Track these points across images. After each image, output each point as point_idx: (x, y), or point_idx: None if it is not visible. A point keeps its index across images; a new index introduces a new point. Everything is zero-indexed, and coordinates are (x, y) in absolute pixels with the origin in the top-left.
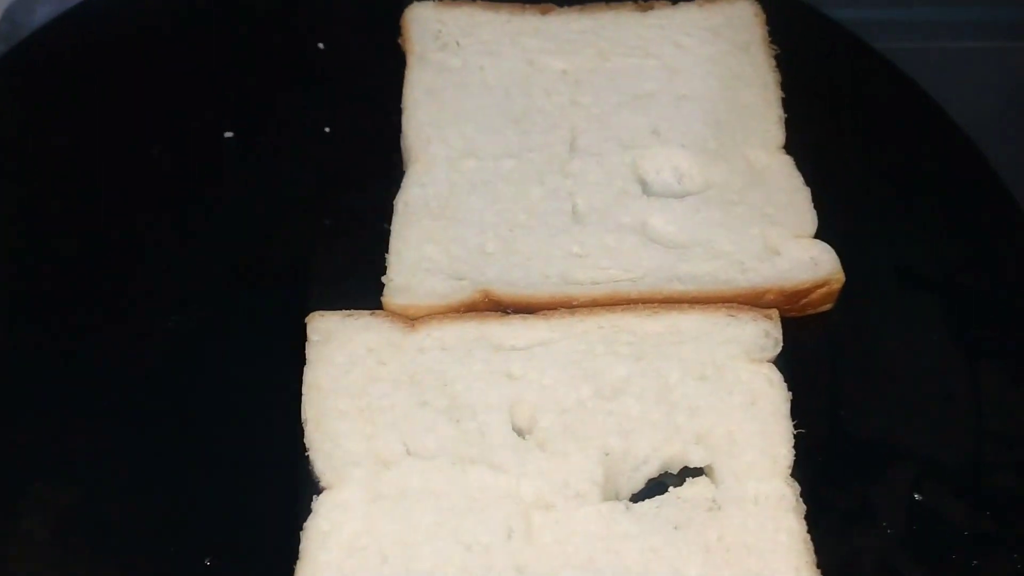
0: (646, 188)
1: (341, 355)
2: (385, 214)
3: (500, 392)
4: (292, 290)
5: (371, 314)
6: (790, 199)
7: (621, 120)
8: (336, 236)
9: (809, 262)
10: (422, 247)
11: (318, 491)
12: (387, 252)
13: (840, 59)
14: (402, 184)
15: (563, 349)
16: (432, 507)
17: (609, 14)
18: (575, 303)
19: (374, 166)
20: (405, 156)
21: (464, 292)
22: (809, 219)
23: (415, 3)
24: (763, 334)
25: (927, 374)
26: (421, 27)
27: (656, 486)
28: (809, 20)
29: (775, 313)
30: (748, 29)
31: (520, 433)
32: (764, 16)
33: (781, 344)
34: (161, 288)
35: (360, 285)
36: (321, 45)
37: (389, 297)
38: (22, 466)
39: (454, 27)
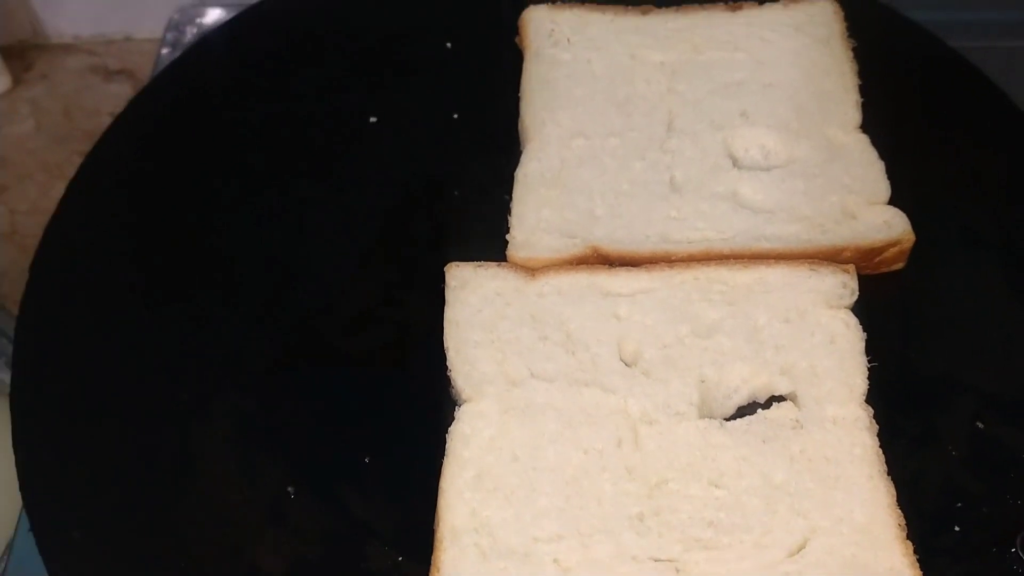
0: (736, 163)
1: (474, 297)
2: (505, 187)
3: (609, 330)
4: (433, 247)
5: (498, 265)
6: (866, 171)
7: (713, 105)
8: (466, 205)
9: (883, 224)
10: (539, 211)
11: (459, 404)
12: (509, 216)
13: (913, 51)
14: (520, 160)
15: (663, 296)
16: (553, 418)
17: (702, 13)
18: (673, 258)
19: (495, 146)
20: (522, 136)
21: (576, 248)
22: (883, 188)
23: (531, 6)
24: (841, 284)
25: (989, 321)
26: (536, 26)
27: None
28: (884, 18)
29: (852, 267)
30: (828, 25)
31: (627, 363)
32: (843, 13)
33: (857, 293)
34: (319, 247)
35: (487, 244)
36: (449, 44)
37: (513, 251)
38: (211, 379)
39: (565, 26)
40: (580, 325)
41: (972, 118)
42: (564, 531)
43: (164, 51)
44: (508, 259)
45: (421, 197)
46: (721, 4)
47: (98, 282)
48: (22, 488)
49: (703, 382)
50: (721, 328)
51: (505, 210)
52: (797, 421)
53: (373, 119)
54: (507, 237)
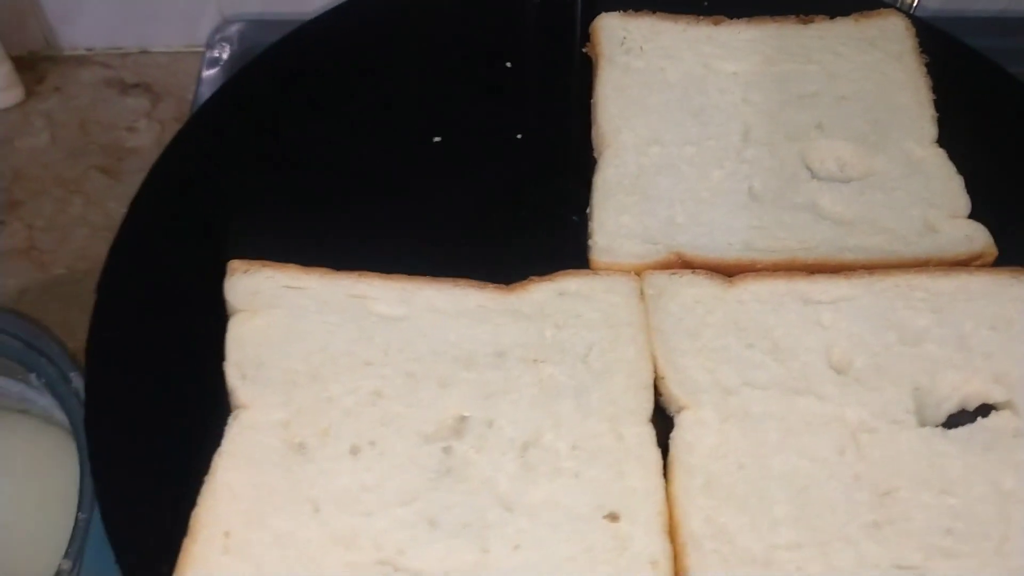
0: (813, 174)
1: (674, 305)
2: (571, 206)
3: (815, 338)
4: (499, 268)
5: (693, 272)
6: (945, 186)
7: (788, 116)
8: (531, 224)
9: (964, 238)
10: (619, 217)
11: (677, 410)
12: (588, 226)
13: (970, 74)
14: (597, 167)
15: (866, 303)
16: (773, 427)
17: (774, 26)
18: (758, 267)
19: (559, 167)
20: (597, 143)
21: (659, 254)
22: (963, 203)
23: (604, 13)
24: None
25: None
26: (609, 34)
27: (955, 421)
28: (942, 41)
29: None
30: (900, 40)
31: (837, 371)
32: (915, 29)
33: None
34: (382, 269)
35: (555, 263)
36: (508, 64)
37: (596, 257)
38: None
39: (637, 34)
40: (785, 333)
41: None
42: (802, 539)
43: (206, 72)
44: (592, 265)
45: (488, 218)
46: (793, 17)
47: (162, 301)
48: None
49: (917, 390)
50: (929, 335)
51: (570, 229)
52: (1018, 429)
53: (437, 139)
54: (589, 243)
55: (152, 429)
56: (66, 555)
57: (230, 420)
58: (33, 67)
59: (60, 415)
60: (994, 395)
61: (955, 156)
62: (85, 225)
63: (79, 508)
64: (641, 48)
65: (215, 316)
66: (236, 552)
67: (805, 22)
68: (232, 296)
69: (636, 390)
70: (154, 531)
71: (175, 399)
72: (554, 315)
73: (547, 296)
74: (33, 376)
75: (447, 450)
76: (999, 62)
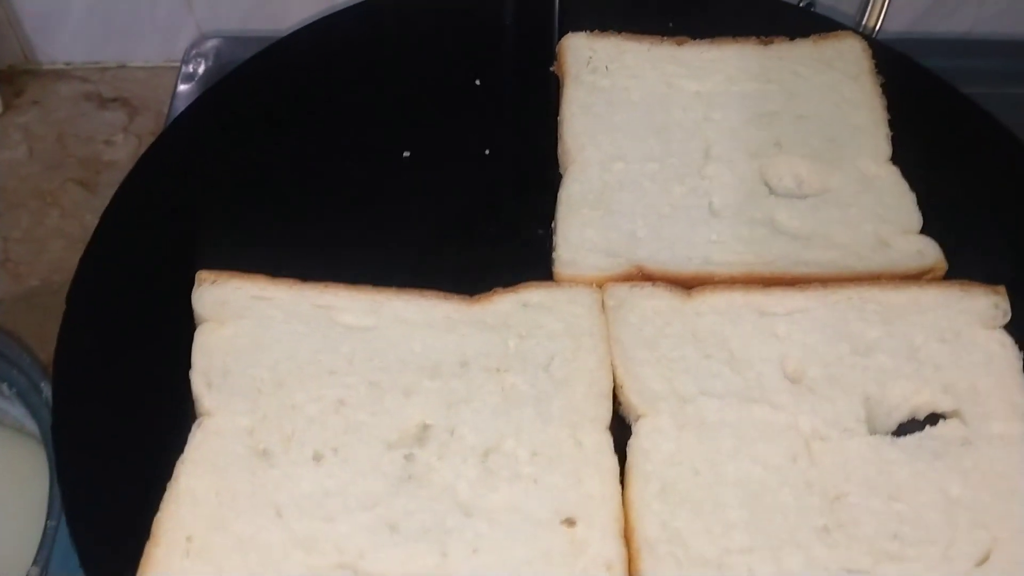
0: (771, 190)
1: (634, 316)
2: (538, 221)
3: (770, 348)
4: (466, 281)
5: (653, 285)
6: (898, 202)
7: (748, 134)
8: (499, 239)
9: (916, 253)
10: (583, 231)
11: (635, 418)
12: (547, 246)
13: (927, 94)
14: (562, 182)
15: (820, 315)
16: (728, 435)
17: (735, 46)
18: (716, 279)
19: (526, 183)
20: (563, 159)
21: (620, 267)
22: (915, 219)
23: (570, 33)
24: (993, 305)
25: None
26: (575, 53)
27: (905, 429)
28: (900, 63)
29: (1003, 288)
30: (857, 62)
31: (792, 380)
32: (871, 51)
33: (1009, 314)
34: (350, 282)
35: (522, 276)
36: (478, 82)
37: (559, 269)
38: None
39: (603, 54)
40: (742, 344)
41: (986, 156)
42: (754, 543)
43: (181, 87)
44: (555, 277)
45: (455, 232)
46: (754, 38)
47: (131, 311)
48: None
49: (868, 399)
50: (880, 347)
51: (535, 243)
52: (965, 438)
53: (406, 154)
54: (552, 255)
55: (118, 437)
56: (34, 562)
57: (194, 427)
58: (12, 80)
59: (31, 425)
60: (942, 405)
61: (908, 173)
62: (61, 237)
63: (48, 516)
64: (607, 67)
65: (183, 326)
66: (198, 556)
67: (766, 43)
68: (200, 306)
69: (596, 398)
70: (118, 536)
71: (142, 408)
72: (517, 326)
73: (511, 307)
74: (4, 386)
75: (409, 457)
76: (957, 82)
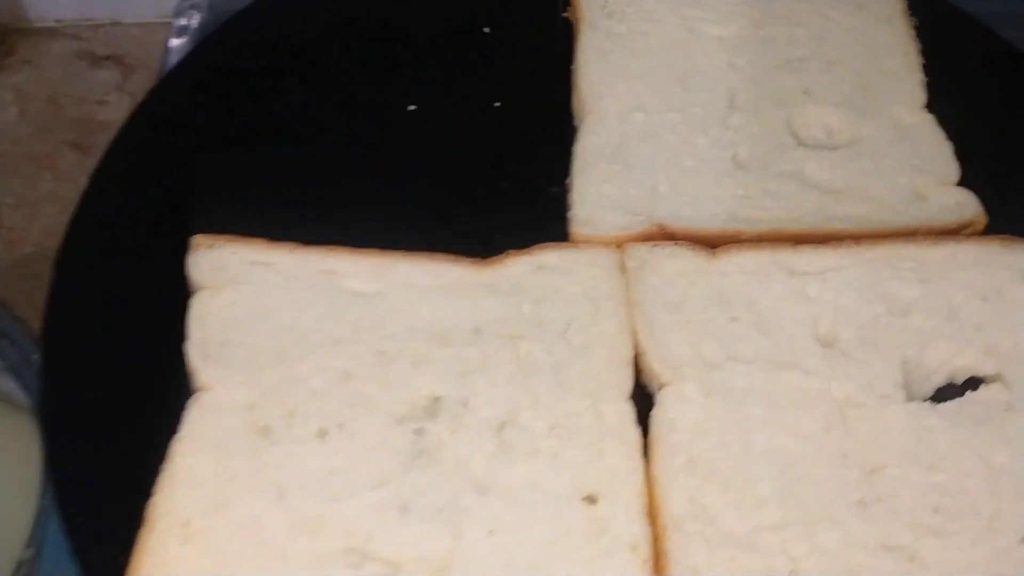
0: (800, 141)
1: (655, 278)
2: (552, 179)
3: (801, 310)
4: (482, 242)
5: (675, 244)
6: (934, 152)
7: (775, 81)
8: (512, 198)
9: (954, 206)
10: (601, 187)
11: (658, 387)
12: (563, 205)
13: (964, 39)
14: (578, 134)
15: (853, 274)
16: (758, 403)
17: None
18: (743, 238)
19: (539, 137)
20: (578, 110)
21: (641, 225)
22: (952, 170)
23: None
24: None
25: None
26: None
27: (943, 393)
28: (937, 6)
29: None
30: (889, 4)
31: (824, 344)
32: None
33: None
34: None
35: (538, 236)
36: (487, 29)
37: (576, 229)
38: None
39: None
40: (771, 305)
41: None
42: (788, 519)
43: (173, 41)
44: (572, 237)
45: (465, 190)
46: None
47: (124, 278)
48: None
49: (905, 363)
50: (918, 307)
51: (550, 201)
52: (1008, 403)
53: (411, 107)
54: (568, 214)
55: (111, 413)
56: (28, 543)
57: (190, 403)
58: (2, 39)
59: (23, 398)
60: (984, 368)
61: (944, 122)
62: (55, 202)
63: (42, 495)
64: (623, 12)
65: (178, 294)
66: (196, 541)
67: None
68: (196, 272)
69: (616, 366)
70: (113, 522)
71: (135, 383)
72: (532, 290)
73: (525, 270)
74: None
75: (419, 432)
76: (991, 26)
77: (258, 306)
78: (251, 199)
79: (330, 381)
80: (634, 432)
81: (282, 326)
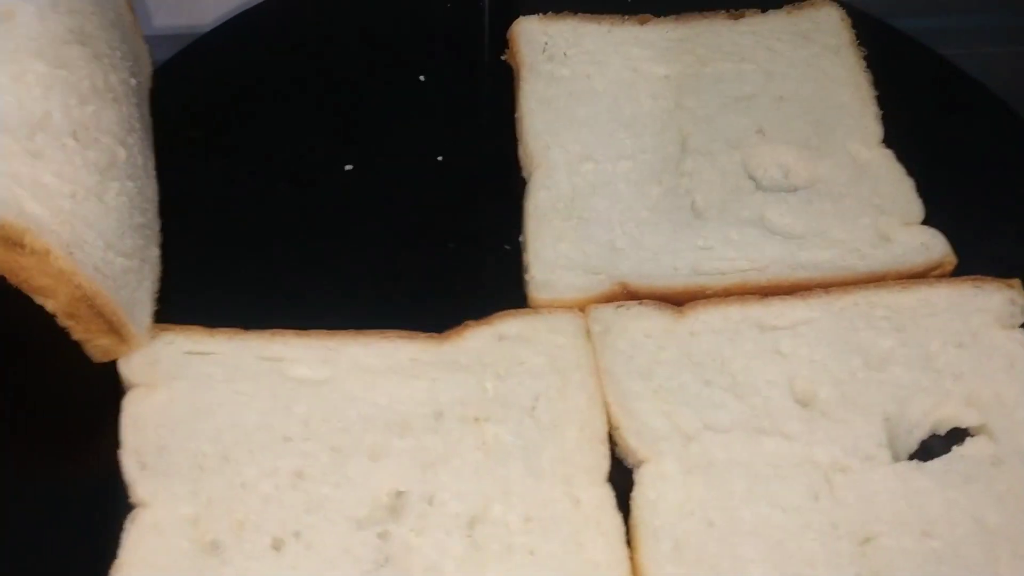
0: (758, 184)
1: (622, 342)
2: (502, 234)
3: (776, 368)
4: (439, 307)
5: (640, 303)
6: (895, 190)
7: (726, 121)
8: (464, 257)
9: (920, 247)
10: (556, 246)
11: (636, 464)
12: (517, 264)
13: (908, 62)
14: (527, 189)
15: (825, 326)
16: (740, 475)
17: (703, 22)
18: (708, 292)
19: (486, 190)
20: (525, 164)
21: (602, 285)
22: (916, 207)
23: (522, 18)
24: (1009, 302)
25: None
26: (528, 39)
27: (927, 447)
28: (883, 32)
29: (1017, 283)
30: (836, 33)
31: (802, 404)
32: (850, 20)
33: None
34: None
35: (497, 297)
36: (422, 77)
37: (535, 293)
38: None
39: (560, 39)
40: (744, 365)
41: (982, 132)
42: None
43: None
44: (531, 302)
45: (412, 256)
46: (722, 12)
47: (48, 384)
48: None
49: (887, 420)
50: (894, 358)
51: (503, 260)
52: (996, 456)
53: (348, 167)
54: (525, 277)
55: (43, 539)
56: None
57: (128, 522)
58: None
59: None
60: (967, 419)
61: (903, 156)
62: None
63: None
64: (565, 54)
65: (109, 394)
66: None
67: (736, 17)
68: (126, 368)
69: (590, 444)
70: None
71: (68, 502)
72: (494, 364)
73: (485, 343)
74: None
75: (383, 535)
76: (933, 42)
77: (197, 404)
78: (182, 283)
79: (282, 485)
80: (615, 518)
81: (225, 425)
